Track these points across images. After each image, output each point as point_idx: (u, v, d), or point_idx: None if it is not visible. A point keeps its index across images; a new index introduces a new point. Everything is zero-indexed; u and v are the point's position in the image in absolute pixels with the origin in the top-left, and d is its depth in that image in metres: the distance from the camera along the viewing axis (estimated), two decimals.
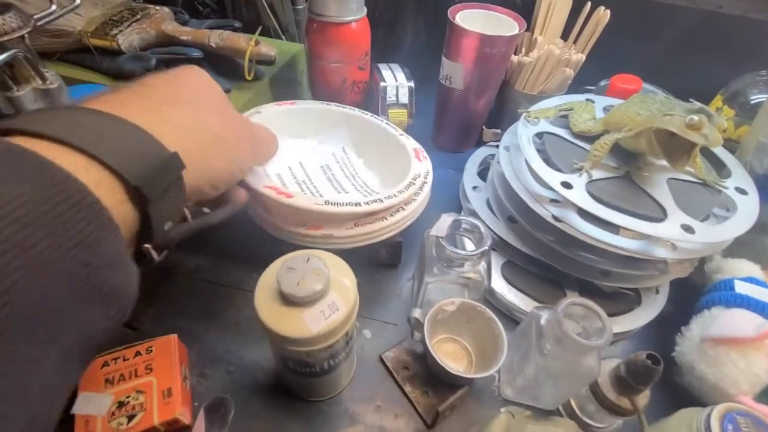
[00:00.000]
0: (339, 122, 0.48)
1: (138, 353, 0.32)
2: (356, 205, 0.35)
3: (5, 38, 0.29)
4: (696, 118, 0.31)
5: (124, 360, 0.32)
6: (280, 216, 0.37)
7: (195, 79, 0.27)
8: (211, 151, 0.25)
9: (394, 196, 0.37)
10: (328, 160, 0.47)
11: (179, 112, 0.23)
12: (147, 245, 0.21)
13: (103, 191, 0.17)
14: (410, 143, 0.45)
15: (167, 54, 0.47)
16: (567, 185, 0.36)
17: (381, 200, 0.36)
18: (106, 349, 0.32)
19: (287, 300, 0.25)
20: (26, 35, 0.31)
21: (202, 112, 0.25)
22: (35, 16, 0.32)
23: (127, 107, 0.21)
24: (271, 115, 0.44)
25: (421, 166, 0.42)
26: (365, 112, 0.49)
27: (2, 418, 0.13)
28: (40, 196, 0.15)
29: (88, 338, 0.17)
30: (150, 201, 0.20)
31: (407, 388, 0.35)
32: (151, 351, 0.32)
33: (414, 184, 0.39)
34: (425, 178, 0.41)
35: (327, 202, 0.34)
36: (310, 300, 0.25)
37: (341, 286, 0.27)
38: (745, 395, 0.30)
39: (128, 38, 0.47)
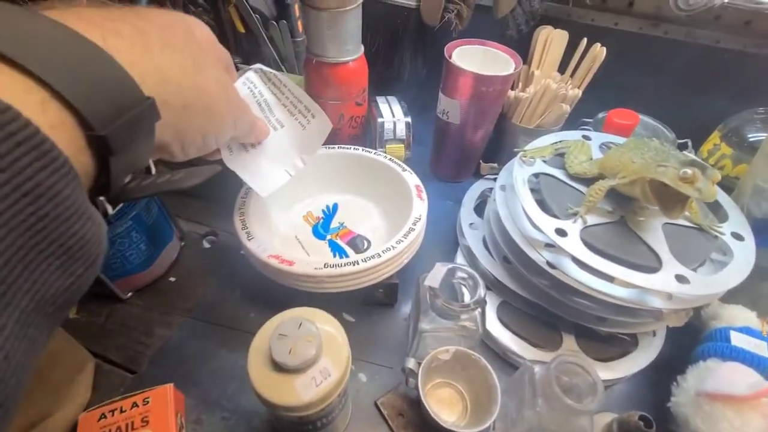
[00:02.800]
0: (344, 165, 0.49)
1: (135, 404, 0.33)
2: (354, 264, 0.35)
3: None
4: (689, 171, 0.31)
5: (121, 412, 0.32)
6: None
7: (201, 31, 0.24)
8: (192, 111, 0.22)
9: (392, 248, 0.37)
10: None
11: (170, 59, 0.20)
12: (101, 197, 0.19)
13: (61, 136, 0.14)
14: (412, 179, 0.46)
15: None
16: (561, 232, 0.36)
17: (379, 255, 0.36)
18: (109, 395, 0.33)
19: (279, 367, 0.25)
20: None
21: (197, 67, 0.22)
22: None
23: (110, 33, 0.17)
24: None
25: (422, 206, 0.43)
26: (368, 150, 0.49)
27: None
28: None
29: (52, 297, 0.15)
30: (114, 153, 0.17)
31: None
32: (148, 402, 0.33)
33: (414, 229, 0.40)
34: (422, 221, 0.41)
35: (326, 265, 0.35)
36: (302, 367, 0.25)
37: (333, 345, 0.27)
38: None
39: None
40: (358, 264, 0.37)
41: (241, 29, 0.61)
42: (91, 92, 0.16)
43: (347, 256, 0.46)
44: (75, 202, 0.15)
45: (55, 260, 0.15)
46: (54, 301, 0.15)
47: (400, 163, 0.48)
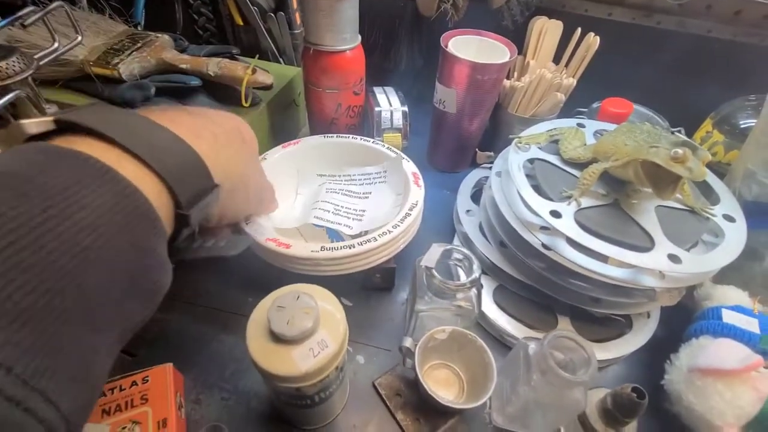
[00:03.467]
0: (342, 153, 0.50)
1: (134, 383, 0.33)
2: (350, 248, 0.36)
3: (9, 81, 0.30)
4: (680, 151, 0.32)
5: (121, 390, 0.32)
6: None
7: (247, 131, 0.31)
8: (235, 194, 0.28)
9: (388, 232, 0.37)
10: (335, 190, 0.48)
11: (229, 155, 0.27)
12: None
13: (160, 207, 0.20)
14: (409, 167, 0.46)
15: (166, 82, 0.48)
16: (556, 214, 0.36)
17: (375, 239, 0.37)
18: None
19: (277, 338, 0.25)
20: (29, 77, 0.32)
21: (245, 162, 0.29)
22: (38, 55, 0.33)
23: (197, 138, 0.23)
24: (277, 159, 0.47)
25: (419, 192, 0.43)
26: (366, 138, 0.50)
27: (72, 398, 0.15)
28: (115, 206, 0.17)
29: (129, 328, 0.19)
30: (188, 225, 0.22)
31: (399, 416, 0.36)
32: (147, 380, 0.33)
33: (410, 215, 0.40)
34: (419, 206, 0.42)
35: (323, 248, 0.36)
36: (300, 338, 0.25)
37: (331, 320, 0.28)
38: (731, 427, 0.30)
39: (129, 67, 0.48)
40: (354, 248, 0.37)
41: (240, 22, 0.62)
42: (185, 182, 0.21)
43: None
44: (163, 256, 0.20)
45: (140, 299, 0.19)
46: (130, 332, 0.19)
47: (398, 151, 0.49)
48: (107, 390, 0.32)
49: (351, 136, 0.50)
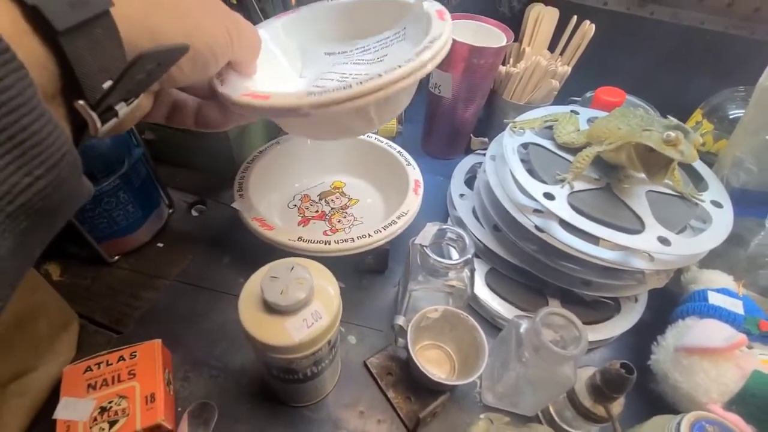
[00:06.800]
0: (353, 19, 0.40)
1: (121, 358, 0.32)
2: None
3: None
4: (673, 134, 0.32)
5: (107, 365, 0.32)
6: None
7: None
8: (159, 7, 0.20)
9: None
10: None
11: None
12: (80, 102, 0.17)
13: (12, 32, 0.14)
14: (432, 5, 0.35)
15: None
16: (549, 196, 0.37)
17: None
18: (94, 349, 0.33)
19: (270, 308, 0.25)
20: None
21: None
22: None
23: None
24: (274, 34, 0.38)
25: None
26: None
27: None
28: None
29: (7, 194, 0.14)
30: (59, 32, 0.15)
31: (390, 394, 0.36)
32: (135, 356, 0.32)
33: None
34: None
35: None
36: (293, 308, 0.25)
37: (325, 294, 0.28)
38: (715, 404, 0.31)
39: None
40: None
41: (233, 0, 0.61)
42: None
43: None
44: (21, 93, 0.14)
45: (5, 153, 0.14)
46: (12, 200, 0.14)
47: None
48: (93, 365, 0.32)
49: None
